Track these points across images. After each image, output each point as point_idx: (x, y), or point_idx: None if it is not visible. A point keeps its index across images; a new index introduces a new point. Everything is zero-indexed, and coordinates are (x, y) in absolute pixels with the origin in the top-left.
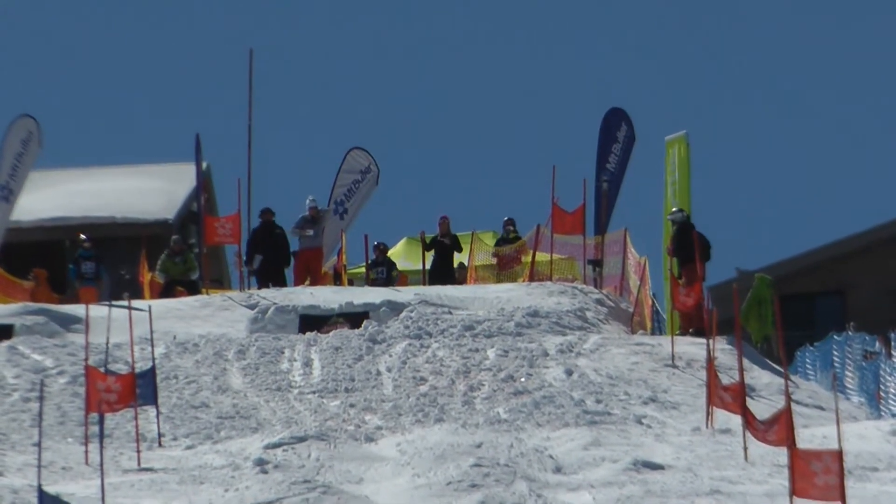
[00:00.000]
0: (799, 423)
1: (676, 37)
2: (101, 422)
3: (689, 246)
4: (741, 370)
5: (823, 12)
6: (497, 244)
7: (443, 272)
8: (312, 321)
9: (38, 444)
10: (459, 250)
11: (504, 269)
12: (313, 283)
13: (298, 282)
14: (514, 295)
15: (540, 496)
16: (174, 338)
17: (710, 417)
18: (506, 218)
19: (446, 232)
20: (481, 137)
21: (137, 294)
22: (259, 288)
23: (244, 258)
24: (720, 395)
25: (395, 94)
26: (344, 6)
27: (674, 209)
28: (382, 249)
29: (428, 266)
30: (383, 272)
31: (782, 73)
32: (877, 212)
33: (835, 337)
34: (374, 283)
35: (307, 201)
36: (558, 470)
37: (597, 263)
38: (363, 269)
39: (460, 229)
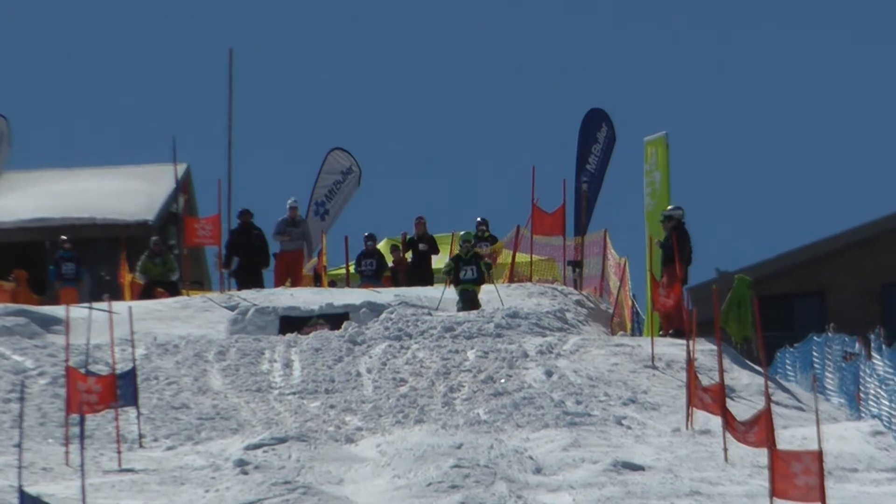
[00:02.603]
0: (779, 423)
1: (656, 37)
2: (81, 423)
3: (681, 245)
4: (721, 371)
5: (803, 13)
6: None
7: (420, 274)
8: (292, 322)
9: (19, 445)
10: (436, 252)
11: None
12: (294, 285)
13: (279, 283)
14: (494, 296)
15: (520, 497)
16: (154, 339)
17: (689, 418)
18: (479, 218)
19: (423, 233)
20: (461, 138)
21: (118, 295)
22: (239, 289)
23: (223, 260)
24: (700, 396)
25: (375, 94)
26: (324, 7)
27: (670, 206)
28: (372, 241)
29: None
30: (372, 264)
31: (762, 75)
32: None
33: (814, 338)
34: (363, 274)
35: (288, 203)
36: (538, 471)
37: (576, 264)
38: (343, 271)
39: (440, 230)
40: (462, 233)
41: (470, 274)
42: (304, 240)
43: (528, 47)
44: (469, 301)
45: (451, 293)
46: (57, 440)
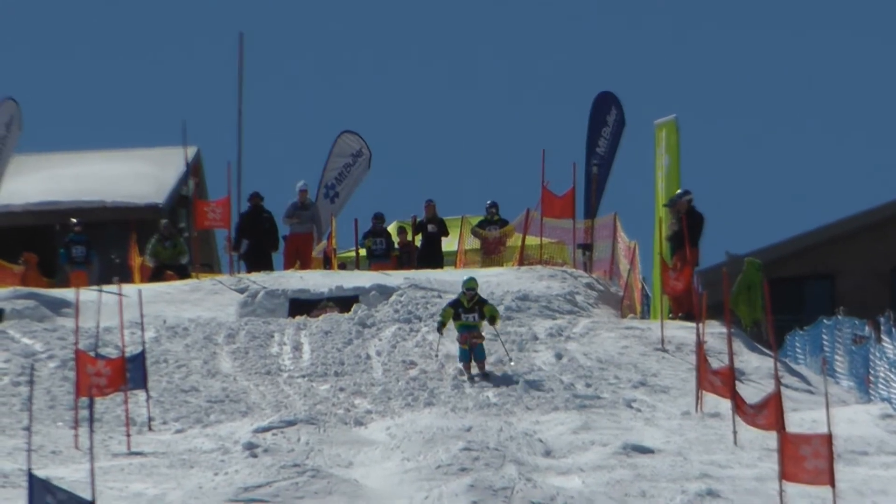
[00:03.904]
0: (788, 407)
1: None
2: (90, 406)
3: (692, 229)
4: (731, 354)
5: None
6: (479, 226)
7: (430, 257)
8: (302, 305)
9: (28, 429)
10: (446, 234)
11: (490, 253)
12: (303, 268)
13: (288, 266)
14: (504, 279)
15: (529, 480)
16: (164, 322)
17: (699, 401)
18: (489, 202)
19: (432, 216)
20: (472, 122)
21: (127, 278)
22: (249, 272)
23: (233, 242)
24: (710, 380)
25: (385, 77)
26: None
27: (678, 191)
28: (381, 220)
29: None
30: (382, 243)
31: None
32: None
33: (824, 321)
34: (372, 253)
35: (297, 186)
36: (548, 454)
37: (587, 247)
38: (352, 253)
39: (450, 213)
40: (466, 278)
41: (472, 319)
42: (313, 223)
43: (538, 31)
44: (472, 339)
45: (446, 339)
46: (66, 423)
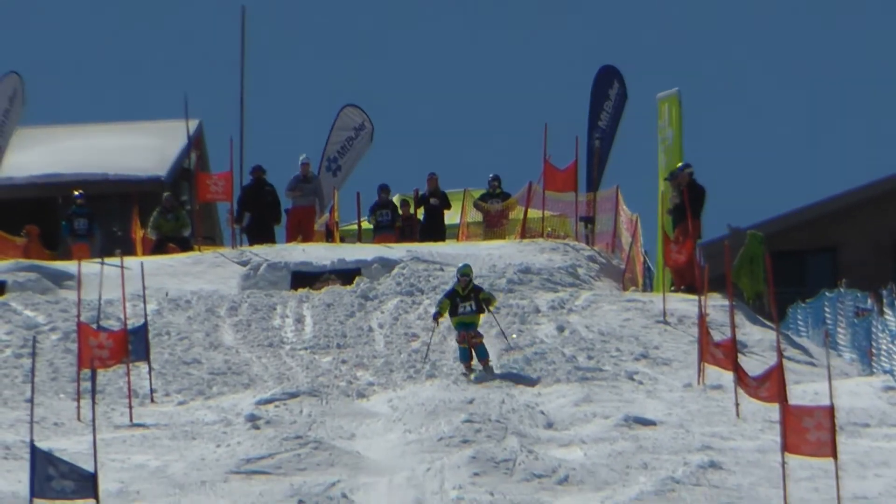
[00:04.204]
0: (791, 379)
1: None
2: (93, 378)
3: (693, 201)
4: (733, 327)
5: None
6: (481, 199)
7: (433, 230)
8: (304, 278)
9: (31, 401)
10: (448, 207)
11: (493, 226)
12: (305, 241)
13: (290, 239)
14: (506, 252)
15: (531, 452)
16: (166, 294)
17: (701, 374)
18: (491, 175)
19: (435, 189)
20: (474, 95)
21: (130, 251)
22: (251, 245)
23: (235, 215)
24: (712, 352)
25: (388, 51)
26: None
27: (679, 165)
28: (387, 191)
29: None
30: (388, 214)
31: (774, 31)
32: (869, 168)
33: (826, 294)
34: (378, 225)
35: (300, 159)
36: (550, 426)
37: (589, 220)
38: (355, 227)
39: (452, 187)
40: (461, 265)
41: (469, 309)
42: (315, 196)
43: (541, 4)
44: (471, 339)
45: (441, 330)
46: (68, 395)
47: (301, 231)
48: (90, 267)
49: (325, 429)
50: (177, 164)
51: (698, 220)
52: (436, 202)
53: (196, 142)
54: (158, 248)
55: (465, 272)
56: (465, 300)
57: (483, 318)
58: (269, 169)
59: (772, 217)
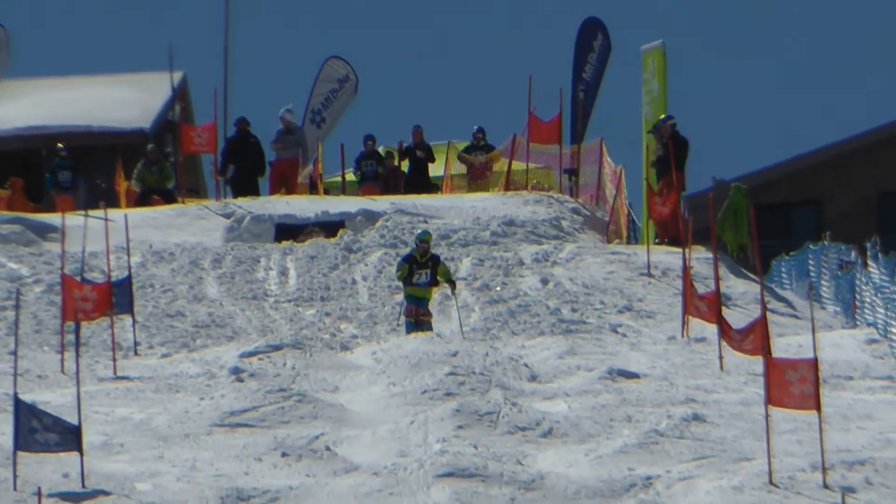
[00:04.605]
0: (774, 332)
1: None
2: (76, 330)
3: (677, 153)
4: (717, 279)
5: None
6: (465, 151)
7: (418, 183)
8: (288, 230)
9: (14, 353)
10: (433, 160)
11: (476, 178)
12: (289, 194)
13: (273, 192)
14: (490, 204)
15: (515, 405)
16: (150, 247)
17: (685, 326)
18: (475, 127)
19: (420, 141)
20: (459, 48)
21: (114, 203)
22: (235, 197)
23: (219, 168)
24: (696, 305)
25: (373, 3)
26: None
27: (661, 117)
28: (372, 141)
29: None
30: (373, 165)
31: None
32: (854, 122)
33: (810, 247)
34: (363, 176)
35: (281, 111)
36: (533, 378)
37: (573, 173)
38: (339, 179)
39: (436, 139)
40: (420, 232)
41: (424, 279)
42: (298, 147)
43: None
44: (419, 316)
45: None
46: (52, 348)
47: (284, 184)
48: (74, 219)
49: (309, 381)
50: (161, 117)
51: (682, 173)
52: (421, 155)
53: (180, 94)
54: (142, 200)
55: (424, 238)
56: (422, 267)
57: (437, 291)
58: (253, 121)
59: (756, 170)
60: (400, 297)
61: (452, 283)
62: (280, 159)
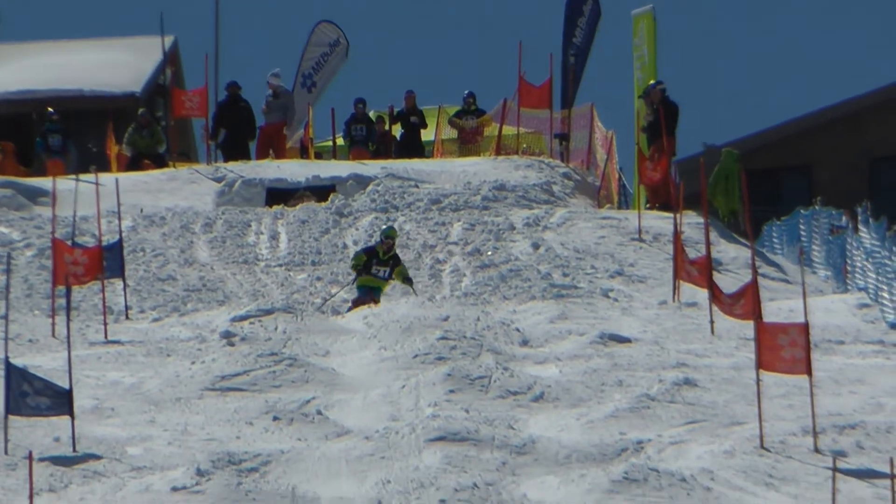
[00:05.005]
0: (765, 296)
1: None
2: (67, 294)
3: (667, 119)
4: (707, 244)
5: None
6: (456, 115)
7: (411, 148)
8: (279, 195)
9: (5, 317)
10: (424, 126)
11: (467, 143)
12: (277, 158)
13: (260, 156)
14: (481, 169)
15: (506, 369)
16: (141, 211)
17: (676, 291)
18: (466, 92)
19: (412, 107)
20: (449, 12)
21: (104, 167)
22: (226, 161)
23: (210, 132)
24: (687, 269)
25: None
26: None
27: (651, 83)
28: (363, 104)
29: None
30: (363, 129)
31: None
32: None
33: (801, 211)
34: (353, 140)
35: (268, 76)
36: (525, 343)
37: (563, 137)
38: (329, 143)
39: (427, 104)
40: (386, 227)
41: (383, 274)
42: (283, 111)
43: None
44: (368, 294)
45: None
46: (43, 312)
47: (272, 148)
48: (65, 183)
49: (300, 345)
50: (152, 81)
51: (673, 138)
52: (416, 120)
53: (171, 58)
54: (133, 164)
55: (389, 235)
56: (382, 265)
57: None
58: (244, 86)
59: (747, 135)
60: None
61: (410, 282)
62: (267, 124)
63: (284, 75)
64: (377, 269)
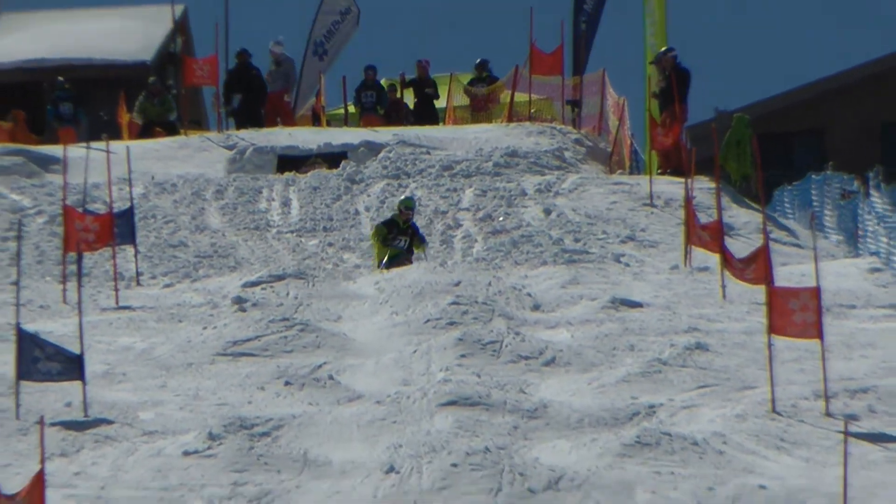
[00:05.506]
0: (777, 261)
1: None
2: (79, 261)
3: (679, 84)
4: (719, 209)
5: None
6: (470, 84)
7: (424, 117)
8: (290, 162)
9: (17, 283)
10: (437, 97)
11: (479, 110)
12: (285, 125)
13: (268, 124)
14: (493, 135)
15: (518, 334)
16: (152, 178)
17: (688, 256)
18: (478, 60)
19: (425, 76)
20: None
21: (116, 135)
22: (238, 129)
23: (222, 99)
24: (698, 234)
25: None
26: None
27: (662, 49)
28: (373, 71)
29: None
30: (373, 96)
31: None
32: (855, 51)
33: (813, 176)
34: (363, 107)
35: (270, 44)
36: (536, 308)
37: (575, 104)
38: (341, 111)
39: (438, 72)
40: (404, 197)
41: (403, 244)
42: (286, 79)
43: None
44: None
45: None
46: (54, 278)
47: (278, 115)
48: (76, 151)
49: (312, 311)
50: (162, 49)
51: (684, 104)
52: (430, 91)
53: (181, 26)
54: (144, 132)
55: (408, 205)
56: (402, 234)
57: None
58: (254, 53)
59: (759, 99)
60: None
61: (425, 244)
62: (270, 93)
63: (296, 43)
64: (399, 238)
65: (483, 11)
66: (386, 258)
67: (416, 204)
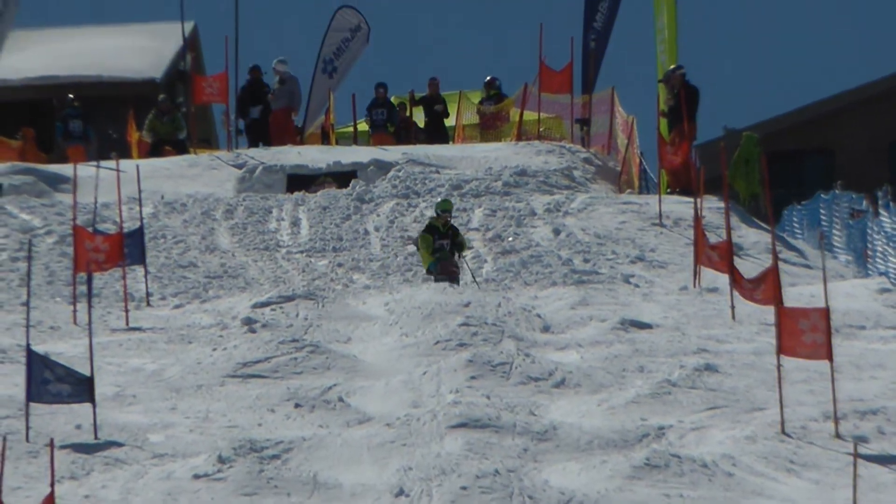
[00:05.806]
0: (786, 281)
1: None
2: (89, 281)
3: (688, 103)
4: (728, 229)
5: None
6: (480, 103)
7: (434, 136)
8: (300, 181)
9: (27, 304)
10: (447, 116)
11: (488, 128)
12: (290, 142)
13: (275, 143)
14: (502, 154)
15: (528, 355)
16: (162, 197)
17: (697, 276)
18: (488, 77)
19: (436, 94)
20: None
21: (125, 154)
22: (251, 145)
23: (236, 114)
24: (707, 254)
25: None
26: None
27: (671, 67)
28: (384, 88)
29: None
30: (383, 114)
31: None
32: (865, 69)
33: (822, 195)
34: (373, 124)
35: (273, 63)
36: (546, 329)
37: (584, 122)
38: (351, 129)
39: (448, 89)
40: (442, 200)
41: (445, 246)
42: (290, 97)
43: None
44: (451, 268)
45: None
46: (64, 299)
47: (284, 133)
48: (86, 170)
49: (322, 332)
50: (172, 66)
51: (693, 122)
52: (440, 108)
53: (191, 44)
54: (154, 150)
55: (446, 208)
56: (443, 237)
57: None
58: (265, 71)
59: (768, 118)
60: (412, 247)
61: (463, 248)
62: (274, 111)
63: (305, 61)
64: (440, 242)
65: (493, 28)
66: (433, 261)
67: (454, 206)
